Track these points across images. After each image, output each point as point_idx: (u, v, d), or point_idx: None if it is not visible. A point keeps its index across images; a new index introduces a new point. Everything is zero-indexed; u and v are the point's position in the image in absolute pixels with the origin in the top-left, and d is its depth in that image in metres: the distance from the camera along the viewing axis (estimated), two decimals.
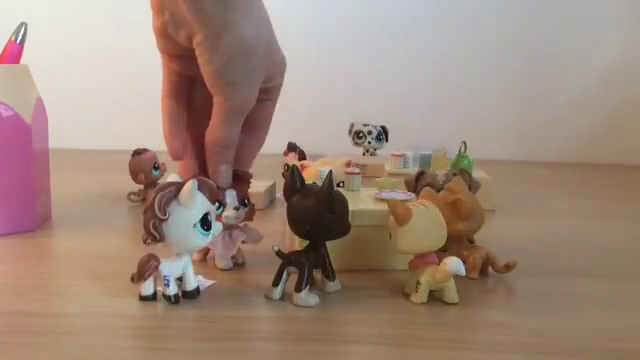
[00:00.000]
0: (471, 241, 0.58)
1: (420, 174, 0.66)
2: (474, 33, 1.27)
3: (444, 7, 1.27)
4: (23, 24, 0.67)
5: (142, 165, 0.79)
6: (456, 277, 0.48)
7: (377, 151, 1.11)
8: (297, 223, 0.49)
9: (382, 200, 0.57)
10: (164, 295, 0.47)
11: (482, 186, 0.68)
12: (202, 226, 0.46)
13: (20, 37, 0.67)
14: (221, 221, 0.53)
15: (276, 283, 0.49)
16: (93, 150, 1.24)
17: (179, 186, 0.45)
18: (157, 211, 0.44)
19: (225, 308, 0.47)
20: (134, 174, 0.80)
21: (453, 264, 0.47)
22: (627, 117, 1.28)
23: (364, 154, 1.11)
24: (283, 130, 1.12)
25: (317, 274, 0.51)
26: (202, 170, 0.54)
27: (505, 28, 1.27)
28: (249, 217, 0.55)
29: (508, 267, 0.55)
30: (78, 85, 1.26)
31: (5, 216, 0.64)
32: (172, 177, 0.49)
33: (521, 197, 0.92)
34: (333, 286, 0.51)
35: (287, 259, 0.49)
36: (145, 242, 0.45)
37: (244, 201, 0.55)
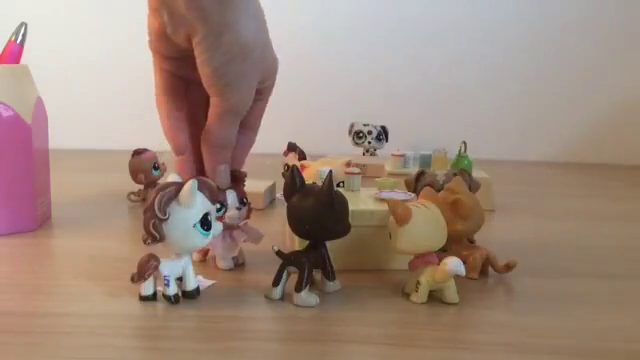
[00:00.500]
0: (471, 241, 0.58)
1: (420, 174, 0.66)
2: (474, 33, 1.27)
3: (444, 7, 1.27)
4: (23, 24, 0.67)
5: (142, 165, 0.79)
6: (456, 277, 0.48)
7: (377, 151, 1.11)
8: (297, 223, 0.49)
9: (382, 200, 0.57)
10: (164, 295, 0.47)
11: (482, 186, 0.68)
12: (202, 226, 0.46)
13: (20, 37, 0.67)
14: (224, 221, 0.53)
15: (276, 283, 0.49)
16: (93, 150, 1.24)
17: (179, 186, 0.45)
18: (157, 211, 0.44)
19: (225, 308, 0.47)
20: (134, 174, 0.80)
21: (453, 264, 0.47)
22: (627, 117, 1.28)
23: (364, 154, 1.11)
24: (283, 130, 1.12)
25: (317, 274, 0.51)
26: (199, 171, 0.54)
27: (505, 28, 1.27)
28: (247, 216, 0.56)
29: (508, 267, 0.55)
30: (78, 85, 1.26)
31: (5, 216, 0.64)
32: (172, 177, 0.49)
33: (521, 197, 0.92)
34: (333, 286, 0.51)
35: (287, 259, 0.49)
36: (145, 242, 0.45)
37: (242, 200, 0.55)
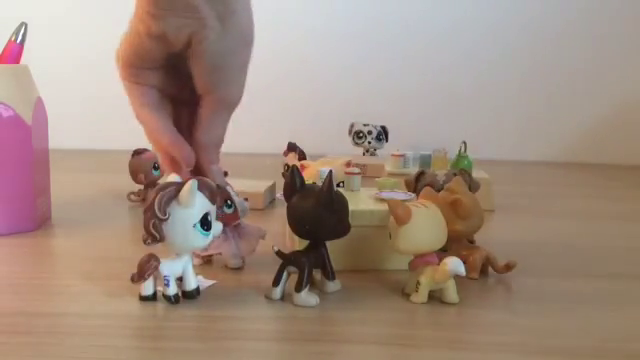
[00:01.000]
0: (471, 241, 0.58)
1: (420, 174, 0.66)
2: (474, 34, 1.27)
3: (444, 8, 1.27)
4: (23, 24, 0.67)
5: (142, 165, 0.79)
6: (456, 277, 0.48)
7: (377, 151, 1.11)
8: (297, 223, 0.49)
9: (382, 200, 0.57)
10: (164, 295, 0.47)
11: (482, 186, 0.68)
12: (202, 226, 0.46)
13: (20, 37, 0.67)
14: (236, 219, 0.53)
15: (276, 283, 0.49)
16: (93, 150, 1.24)
17: (179, 186, 0.45)
18: (157, 211, 0.44)
19: (225, 308, 0.47)
20: (134, 174, 0.80)
21: (453, 264, 0.47)
22: (627, 117, 1.28)
23: (364, 154, 1.11)
24: (283, 130, 1.12)
25: (317, 274, 0.51)
26: (192, 171, 0.54)
27: (505, 29, 1.27)
28: (237, 217, 0.55)
29: (508, 267, 0.55)
30: (78, 85, 1.26)
31: (5, 216, 0.64)
32: (172, 177, 0.49)
33: (521, 197, 0.92)
34: (333, 286, 0.51)
35: (287, 259, 0.49)
36: (145, 242, 0.45)
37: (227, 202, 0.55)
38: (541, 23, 1.26)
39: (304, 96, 1.28)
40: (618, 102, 1.28)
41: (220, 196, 0.51)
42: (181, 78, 0.51)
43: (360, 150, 1.12)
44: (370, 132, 1.10)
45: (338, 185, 0.64)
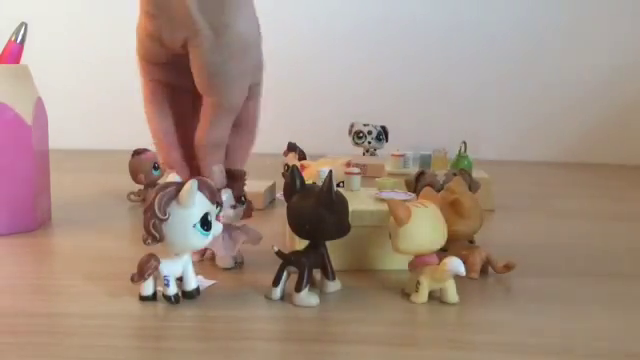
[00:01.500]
0: (471, 241, 0.58)
1: (420, 174, 0.66)
2: (474, 34, 1.27)
3: (444, 8, 1.27)
4: (23, 24, 0.67)
5: (142, 165, 0.79)
6: (456, 277, 0.48)
7: (377, 151, 1.11)
8: (297, 223, 0.49)
9: (382, 200, 0.57)
10: (164, 295, 0.47)
11: (482, 186, 0.68)
12: (202, 226, 0.46)
13: (20, 37, 0.67)
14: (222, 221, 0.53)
15: (276, 283, 0.49)
16: (93, 150, 1.24)
17: (179, 186, 0.45)
18: (157, 211, 0.44)
19: (225, 308, 0.47)
20: (134, 174, 0.80)
21: (453, 264, 0.47)
22: (627, 117, 1.28)
23: (364, 154, 1.11)
24: (283, 130, 1.12)
25: (317, 274, 0.51)
26: (192, 171, 0.54)
27: (505, 29, 1.27)
28: (247, 215, 0.55)
29: (508, 267, 0.55)
30: (78, 85, 1.26)
31: (5, 216, 0.64)
32: (172, 177, 0.49)
33: (521, 197, 0.92)
34: (333, 286, 0.51)
35: (287, 259, 0.49)
36: (145, 242, 0.45)
37: (241, 199, 0.55)
38: (541, 24, 1.26)
39: (304, 96, 1.28)
40: (619, 102, 1.28)
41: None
42: (190, 70, 0.51)
43: (360, 150, 1.12)
44: (370, 132, 1.10)
45: (338, 185, 0.64)
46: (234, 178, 0.55)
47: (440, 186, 0.62)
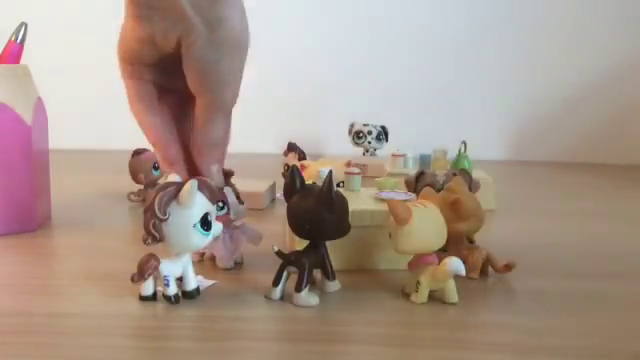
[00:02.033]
0: (471, 241, 0.58)
1: (420, 174, 0.66)
2: (474, 34, 1.27)
3: (444, 8, 1.27)
4: (23, 24, 0.67)
5: (142, 165, 0.79)
6: (456, 277, 0.48)
7: (377, 151, 1.11)
8: (297, 223, 0.49)
9: (382, 200, 0.57)
10: (164, 295, 0.47)
11: (482, 186, 0.68)
12: (202, 226, 0.46)
13: (20, 37, 0.67)
14: (228, 221, 0.53)
15: (276, 283, 0.49)
16: (93, 150, 1.24)
17: (179, 186, 0.45)
18: (157, 211, 0.44)
19: (225, 308, 0.47)
20: (134, 174, 0.80)
21: (453, 264, 0.47)
22: (627, 117, 1.28)
23: (364, 154, 1.11)
24: (283, 130, 1.12)
25: (317, 274, 0.51)
26: (190, 171, 0.54)
27: (505, 28, 1.27)
28: (227, 219, 0.55)
29: (508, 267, 0.55)
30: (78, 85, 1.26)
31: (5, 216, 0.64)
32: (172, 177, 0.49)
33: (521, 197, 0.92)
34: (333, 286, 0.51)
35: (287, 259, 0.49)
36: (145, 242, 0.45)
37: (239, 197, 0.55)
38: (541, 23, 1.26)
39: (304, 96, 1.28)
40: (618, 102, 1.28)
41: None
42: (180, 71, 0.51)
43: (360, 150, 1.12)
44: (370, 132, 1.10)
45: (338, 185, 0.64)
46: (226, 176, 0.55)
47: (440, 186, 0.62)
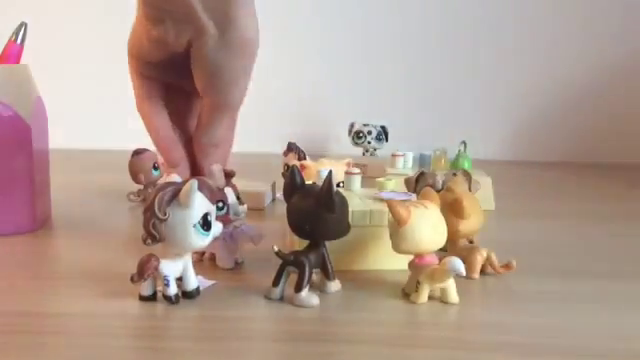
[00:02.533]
0: (471, 241, 0.58)
1: (420, 174, 0.66)
2: (474, 34, 1.27)
3: (444, 8, 1.27)
4: (23, 24, 0.67)
5: (142, 165, 0.79)
6: (456, 277, 0.48)
7: (377, 151, 1.11)
8: (297, 223, 0.49)
9: (382, 200, 0.57)
10: (164, 295, 0.47)
11: (482, 186, 0.68)
12: (202, 226, 0.46)
13: (20, 37, 0.67)
14: (228, 221, 0.53)
15: (276, 283, 0.49)
16: (93, 150, 1.24)
17: (179, 186, 0.45)
18: (157, 211, 0.44)
19: (225, 308, 0.47)
20: (134, 174, 0.80)
21: (453, 264, 0.47)
22: (627, 117, 1.28)
23: (364, 154, 1.11)
24: (283, 130, 1.12)
25: (317, 274, 0.51)
26: (191, 170, 0.54)
27: (505, 28, 1.27)
28: (226, 219, 0.55)
29: (508, 267, 0.55)
30: (78, 85, 1.26)
31: (5, 216, 0.64)
32: (172, 177, 0.49)
33: (521, 197, 0.92)
34: (333, 286, 0.51)
35: (287, 259, 0.49)
36: (145, 242, 0.45)
37: (239, 197, 0.55)
38: (541, 22, 1.26)
39: (304, 96, 1.28)
40: (618, 102, 1.28)
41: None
42: (188, 70, 0.51)
43: (360, 150, 1.12)
44: (370, 132, 1.10)
45: (338, 185, 0.64)
46: (227, 177, 0.55)
47: (440, 186, 0.62)
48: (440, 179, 0.65)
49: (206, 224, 0.46)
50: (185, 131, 0.54)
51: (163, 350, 0.41)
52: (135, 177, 0.80)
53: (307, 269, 0.48)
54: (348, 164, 0.73)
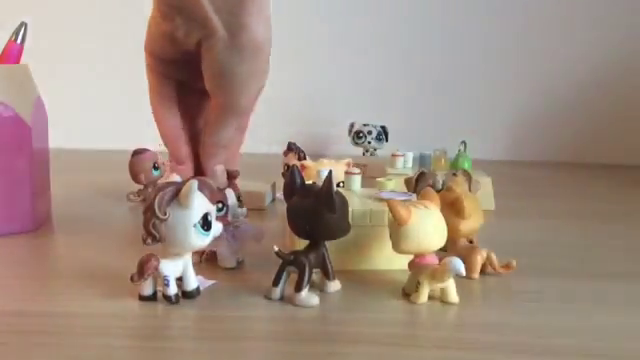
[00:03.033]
0: (471, 241, 0.58)
1: (420, 174, 0.66)
2: (474, 33, 1.27)
3: (443, 7, 1.27)
4: (23, 24, 0.67)
5: (142, 165, 0.79)
6: (456, 277, 0.48)
7: (377, 151, 1.11)
8: (297, 223, 0.49)
9: (382, 200, 0.57)
10: (164, 295, 0.47)
11: (482, 186, 0.68)
12: (202, 226, 0.46)
13: (20, 37, 0.67)
14: (226, 222, 0.53)
15: (276, 283, 0.49)
16: (93, 150, 1.24)
17: (179, 186, 0.45)
18: (157, 211, 0.44)
19: (225, 308, 0.47)
20: (134, 174, 0.80)
21: (453, 264, 0.47)
22: (627, 117, 1.28)
23: (364, 154, 1.11)
24: (283, 130, 1.12)
25: (317, 274, 0.51)
26: (194, 170, 0.54)
27: (505, 28, 1.27)
28: (225, 221, 0.55)
29: (508, 267, 0.55)
30: (78, 85, 1.26)
31: (5, 216, 0.64)
32: (173, 177, 0.49)
33: (521, 197, 0.92)
34: (333, 286, 0.51)
35: (287, 259, 0.49)
36: (145, 242, 0.45)
37: (240, 199, 0.55)
38: (541, 22, 1.26)
39: (304, 96, 1.28)
40: (618, 102, 1.28)
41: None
42: (201, 70, 0.51)
43: (360, 150, 1.12)
44: (370, 132, 1.10)
45: (338, 185, 0.64)
46: (230, 178, 0.55)
47: (440, 186, 0.62)
48: (440, 179, 0.65)
49: (206, 224, 0.46)
50: (195, 130, 0.54)
51: (163, 350, 0.41)
52: (135, 177, 0.80)
53: (307, 269, 0.48)
54: (348, 164, 0.73)
